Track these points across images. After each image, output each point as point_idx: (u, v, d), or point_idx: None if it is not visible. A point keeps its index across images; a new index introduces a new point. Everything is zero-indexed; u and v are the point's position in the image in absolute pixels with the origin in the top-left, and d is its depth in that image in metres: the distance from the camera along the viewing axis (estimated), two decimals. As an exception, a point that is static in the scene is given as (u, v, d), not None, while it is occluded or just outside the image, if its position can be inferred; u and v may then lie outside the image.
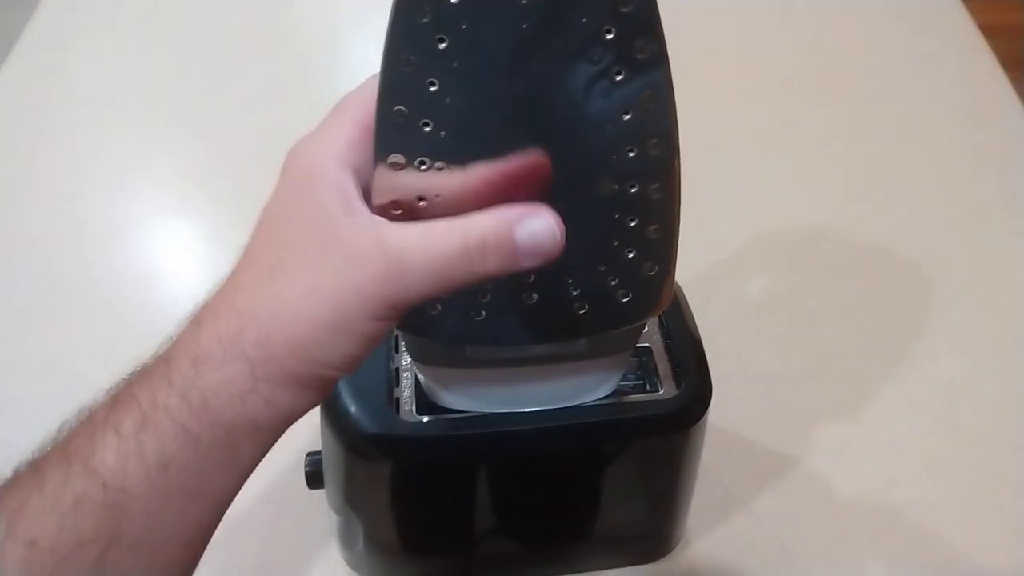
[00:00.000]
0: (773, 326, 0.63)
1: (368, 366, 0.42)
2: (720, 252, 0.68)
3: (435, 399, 0.41)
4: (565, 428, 0.40)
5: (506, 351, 0.38)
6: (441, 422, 0.40)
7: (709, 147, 0.75)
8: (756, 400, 0.58)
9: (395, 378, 0.42)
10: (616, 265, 0.33)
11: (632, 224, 0.31)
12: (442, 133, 0.29)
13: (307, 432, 0.45)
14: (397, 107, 0.29)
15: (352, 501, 0.43)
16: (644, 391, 0.42)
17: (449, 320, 0.33)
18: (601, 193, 0.31)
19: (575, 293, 0.33)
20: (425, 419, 0.40)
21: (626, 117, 0.29)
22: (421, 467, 0.40)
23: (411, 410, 0.41)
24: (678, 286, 0.45)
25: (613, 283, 0.33)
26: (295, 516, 0.51)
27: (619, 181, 0.30)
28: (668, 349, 0.43)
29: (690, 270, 0.47)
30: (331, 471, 0.43)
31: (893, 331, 0.63)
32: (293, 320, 0.28)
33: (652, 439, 0.41)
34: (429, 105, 0.28)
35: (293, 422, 0.30)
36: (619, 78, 0.28)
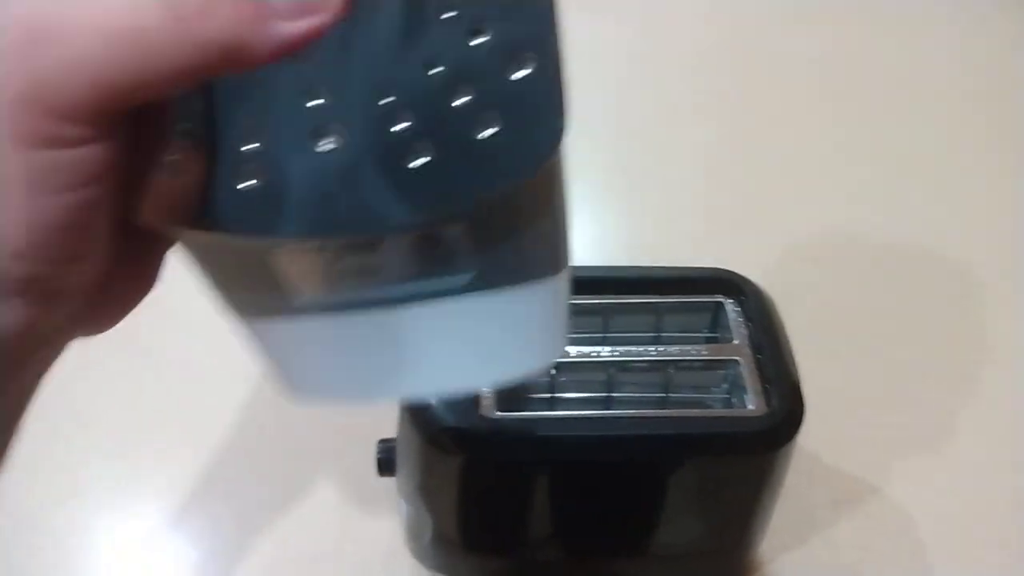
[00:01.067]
0: (855, 347, 0.61)
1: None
2: (801, 265, 0.66)
3: (284, 387, 0.28)
4: (648, 438, 0.38)
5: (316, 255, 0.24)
6: (521, 421, 0.39)
7: (791, 157, 0.74)
8: (836, 422, 0.55)
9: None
10: (462, 63, 0.21)
11: None
12: None
13: (377, 419, 0.45)
14: None
15: (424, 492, 0.42)
16: (730, 406, 0.41)
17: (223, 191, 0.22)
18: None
19: (403, 127, 0.21)
20: (505, 416, 0.39)
21: None
22: (497, 464, 0.40)
23: (491, 406, 0.40)
24: (768, 297, 0.44)
25: (464, 100, 0.21)
26: (362, 502, 0.51)
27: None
28: (758, 363, 0.41)
29: (775, 281, 0.46)
30: (405, 461, 0.43)
31: (981, 359, 0.60)
32: None
33: (739, 457, 0.39)
34: None
35: None
36: None
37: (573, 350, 0.42)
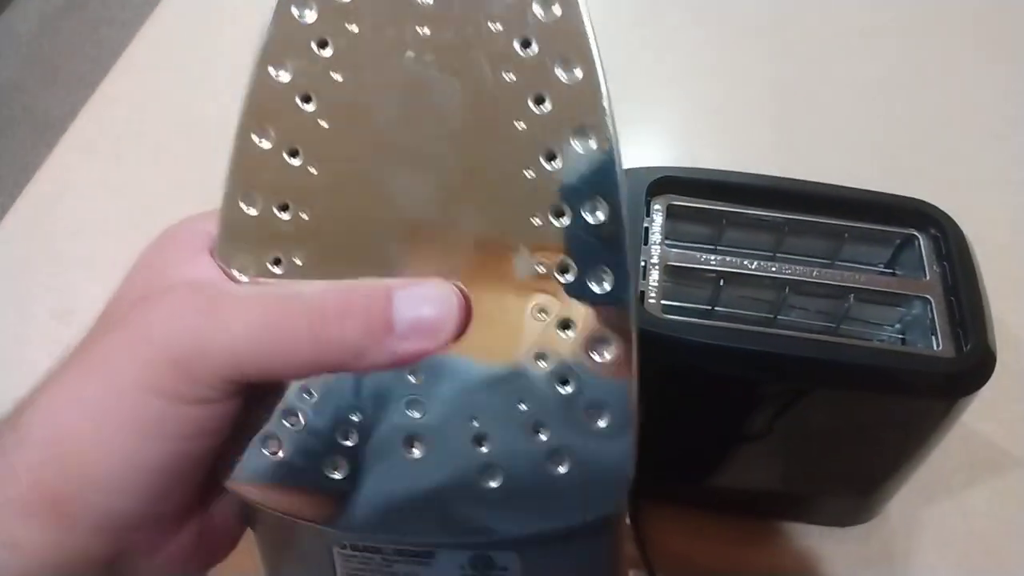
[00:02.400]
0: (1012, 314, 0.57)
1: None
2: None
3: None
4: (827, 363, 0.36)
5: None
6: (688, 325, 0.37)
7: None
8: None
9: (643, 272, 0.39)
10: (548, 407, 0.23)
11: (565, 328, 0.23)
12: (312, 170, 0.23)
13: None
14: (258, 130, 0.23)
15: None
16: (915, 346, 0.38)
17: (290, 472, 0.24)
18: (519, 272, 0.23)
19: (484, 451, 0.23)
20: (672, 317, 0.37)
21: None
22: (659, 364, 0.37)
23: (657, 304, 0.38)
24: (967, 238, 0.40)
25: (541, 436, 0.23)
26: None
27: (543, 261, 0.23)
28: (950, 304, 0.38)
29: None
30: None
31: None
32: (53, 407, 0.21)
33: (919, 399, 0.36)
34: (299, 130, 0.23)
35: None
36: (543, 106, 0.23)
37: (745, 262, 0.40)
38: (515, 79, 0.22)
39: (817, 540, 0.46)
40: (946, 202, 0.41)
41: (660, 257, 0.39)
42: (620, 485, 0.23)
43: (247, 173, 0.24)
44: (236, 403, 0.22)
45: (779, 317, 0.41)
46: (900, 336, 0.40)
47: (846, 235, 0.41)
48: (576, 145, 0.23)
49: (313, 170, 0.23)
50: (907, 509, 0.47)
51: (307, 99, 0.23)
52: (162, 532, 0.24)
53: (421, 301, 0.22)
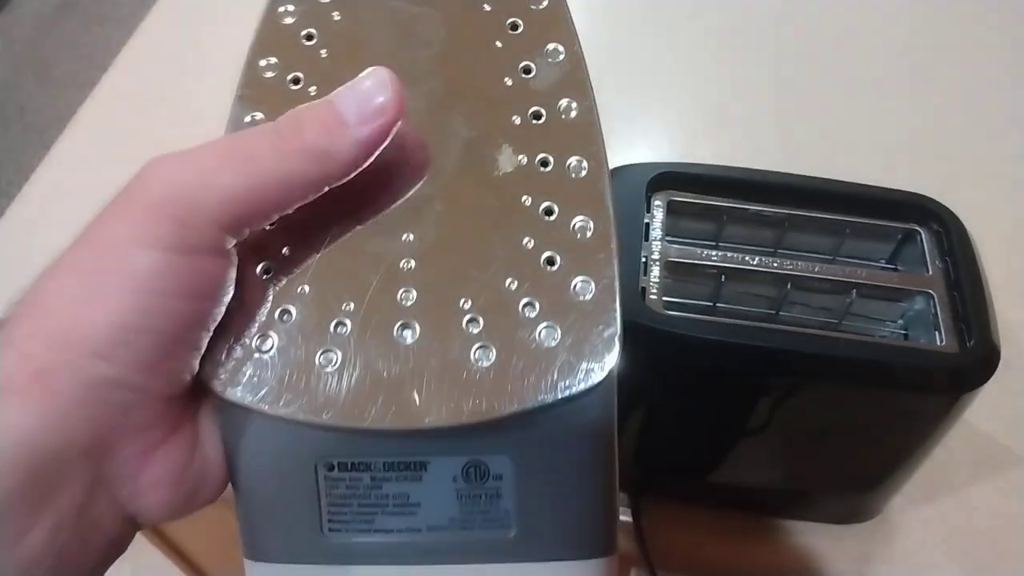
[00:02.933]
0: (1012, 310, 0.56)
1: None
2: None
3: None
4: (830, 359, 0.35)
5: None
6: (690, 321, 0.37)
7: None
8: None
9: (643, 268, 0.39)
10: (535, 281, 0.24)
11: (549, 217, 0.25)
12: (312, 91, 0.27)
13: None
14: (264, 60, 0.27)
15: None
16: (918, 342, 0.38)
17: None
18: (502, 168, 0.26)
19: (469, 322, 0.24)
20: (673, 313, 0.37)
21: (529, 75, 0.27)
22: (660, 360, 0.37)
23: (658, 300, 0.38)
24: (969, 233, 0.40)
25: (530, 312, 0.24)
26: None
27: (526, 151, 0.26)
28: (953, 300, 0.38)
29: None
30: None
31: None
32: (47, 275, 0.21)
33: (923, 395, 0.36)
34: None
35: (39, 479, 0.20)
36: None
37: (746, 258, 0.39)
38: (490, 9, 0.28)
39: (819, 538, 0.46)
40: (945, 198, 0.41)
41: (661, 253, 0.39)
42: (609, 352, 0.24)
43: (253, 97, 0.27)
44: (226, 263, 0.23)
45: (781, 313, 0.40)
46: (903, 332, 0.40)
47: (847, 231, 0.41)
48: (547, 58, 0.27)
49: (313, 91, 0.27)
50: (909, 507, 0.47)
51: (309, 37, 0.28)
52: (148, 430, 0.23)
53: (357, 86, 0.24)
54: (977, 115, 0.69)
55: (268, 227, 0.24)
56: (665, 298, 0.38)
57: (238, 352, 0.24)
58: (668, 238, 0.40)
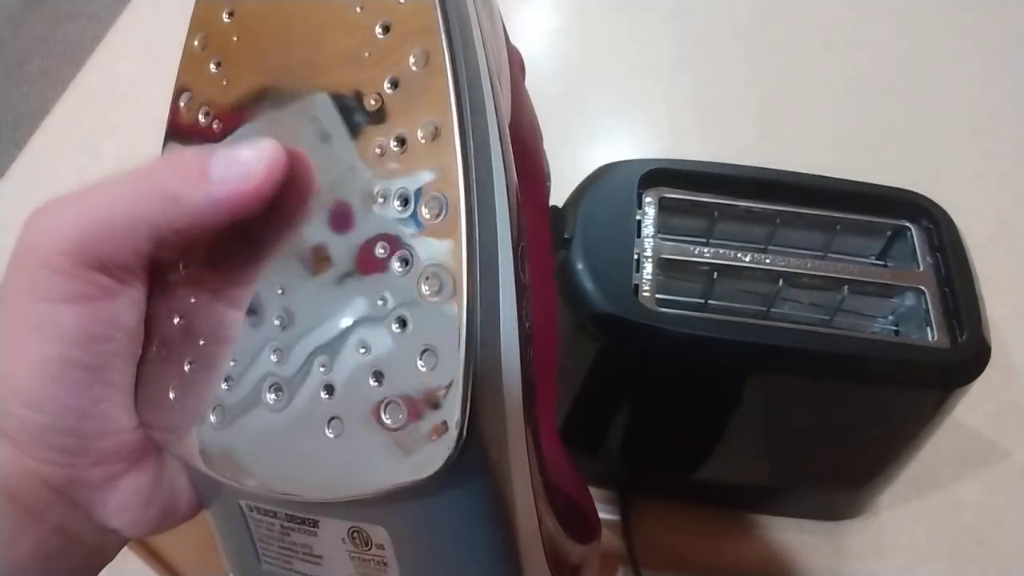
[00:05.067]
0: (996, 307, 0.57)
1: (607, 249, 0.38)
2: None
3: None
4: (822, 355, 0.35)
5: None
6: (683, 317, 0.36)
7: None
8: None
9: (636, 265, 0.38)
10: (379, 348, 0.22)
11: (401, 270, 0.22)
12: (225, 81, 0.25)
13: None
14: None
15: (564, 380, 0.40)
16: (910, 338, 0.38)
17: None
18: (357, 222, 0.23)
19: (325, 390, 0.23)
20: (666, 310, 0.37)
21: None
22: (652, 356, 0.37)
23: (651, 297, 0.37)
24: (956, 227, 0.40)
25: (378, 384, 0.22)
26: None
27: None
28: (944, 295, 0.38)
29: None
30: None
31: None
32: None
33: (915, 390, 0.36)
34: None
35: None
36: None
37: (738, 254, 0.39)
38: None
39: (809, 534, 0.46)
40: (929, 195, 0.41)
41: (654, 250, 0.39)
42: (448, 439, 0.21)
43: (177, 135, 0.26)
44: (112, 304, 0.23)
45: (772, 310, 0.40)
46: (894, 328, 0.40)
47: (838, 227, 0.41)
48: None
49: (225, 81, 0.25)
50: (898, 502, 0.47)
51: (218, 64, 0.26)
52: (106, 464, 0.24)
53: (236, 151, 0.23)
54: (957, 112, 0.70)
55: (177, 275, 0.25)
56: (658, 295, 0.38)
57: (159, 398, 0.25)
58: (660, 235, 0.40)
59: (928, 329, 0.37)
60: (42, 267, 0.22)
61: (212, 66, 0.26)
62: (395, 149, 0.23)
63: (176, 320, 0.25)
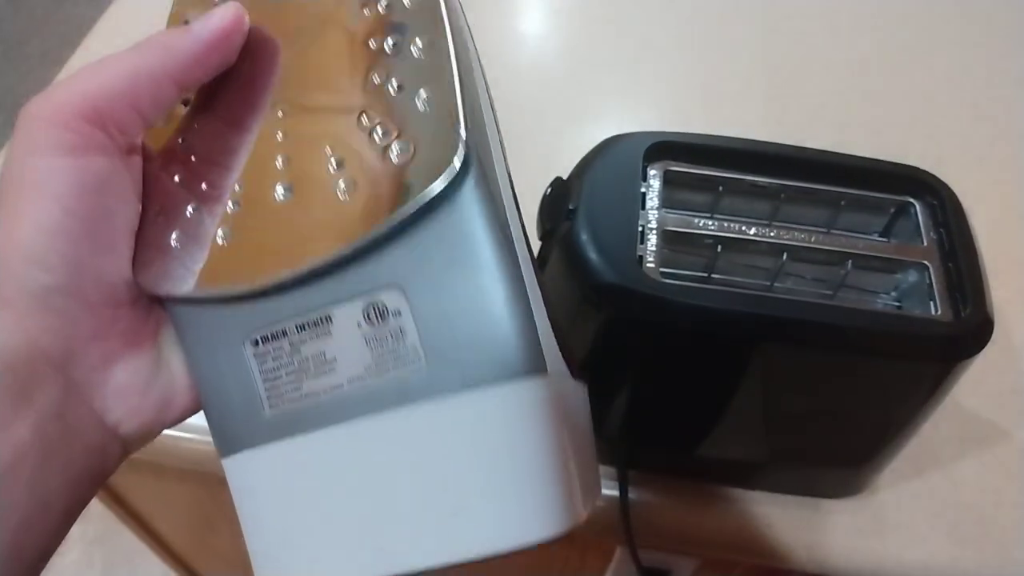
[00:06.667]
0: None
1: (612, 220, 0.38)
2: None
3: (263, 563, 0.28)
4: (827, 327, 0.35)
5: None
6: (687, 288, 0.36)
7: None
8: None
9: (640, 237, 0.38)
10: (380, 109, 0.26)
11: (391, 48, 0.26)
12: None
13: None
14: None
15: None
16: (913, 312, 0.38)
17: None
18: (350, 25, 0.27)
19: (333, 164, 0.26)
20: (670, 281, 0.37)
21: None
22: (657, 327, 0.37)
23: (655, 269, 0.37)
24: (960, 203, 0.40)
25: (378, 135, 0.25)
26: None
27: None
28: (947, 271, 0.38)
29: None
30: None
31: None
32: None
33: (919, 363, 0.36)
34: None
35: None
36: None
37: (742, 228, 0.39)
38: None
39: (810, 512, 0.46)
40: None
41: (658, 222, 0.39)
42: (452, 147, 0.24)
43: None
44: (114, 161, 0.25)
45: (776, 284, 0.40)
46: (896, 303, 0.40)
47: (842, 202, 0.41)
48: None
49: None
50: (898, 481, 0.47)
51: None
52: (104, 338, 0.25)
53: (208, 13, 0.27)
54: (961, 94, 0.70)
55: (180, 144, 0.27)
56: (662, 269, 0.37)
57: (159, 251, 0.26)
58: (665, 208, 0.39)
59: (931, 304, 0.37)
60: (44, 124, 0.24)
61: None
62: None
63: (176, 177, 0.27)
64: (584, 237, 0.37)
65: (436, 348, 0.25)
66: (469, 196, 0.25)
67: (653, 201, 0.40)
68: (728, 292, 0.36)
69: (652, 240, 0.38)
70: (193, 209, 0.26)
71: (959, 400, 0.51)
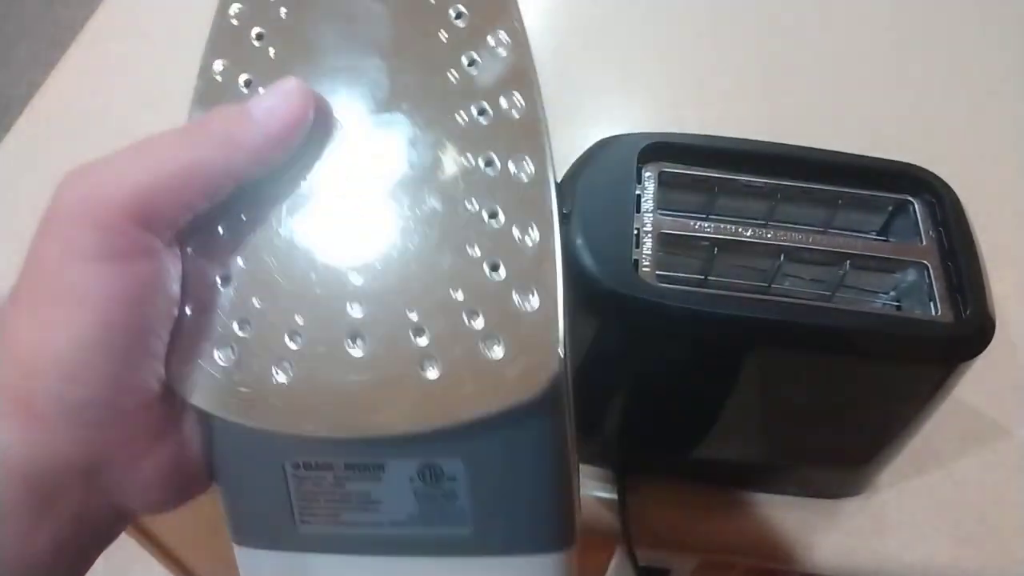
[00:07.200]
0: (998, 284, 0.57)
1: (607, 224, 0.38)
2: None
3: None
4: (826, 329, 0.35)
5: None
6: (683, 292, 0.36)
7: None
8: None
9: (635, 240, 0.38)
10: (480, 292, 0.24)
11: (494, 222, 0.25)
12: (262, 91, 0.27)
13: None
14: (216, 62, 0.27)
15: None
16: (913, 313, 0.37)
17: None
18: (447, 172, 0.25)
19: (417, 334, 0.24)
20: (667, 286, 0.36)
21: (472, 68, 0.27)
22: (654, 333, 0.36)
23: (651, 272, 0.37)
24: (959, 201, 0.39)
25: (476, 323, 0.24)
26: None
27: (470, 152, 0.26)
28: (947, 270, 0.37)
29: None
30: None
31: None
32: (8, 318, 0.22)
33: (921, 365, 0.36)
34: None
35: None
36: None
37: (739, 229, 0.39)
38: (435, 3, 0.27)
39: (810, 512, 0.46)
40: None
41: (654, 225, 0.38)
42: (552, 362, 0.23)
43: (208, 100, 0.26)
44: (158, 264, 0.23)
45: (773, 286, 0.40)
46: (896, 304, 0.39)
47: (840, 201, 0.40)
48: (492, 50, 0.27)
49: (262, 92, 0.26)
50: (898, 480, 0.47)
51: (259, 37, 0.27)
52: (134, 440, 0.24)
53: (265, 92, 0.25)
54: (960, 91, 0.69)
55: (221, 234, 0.25)
56: (658, 272, 0.37)
57: (200, 360, 0.24)
58: (660, 210, 0.39)
59: (931, 304, 0.37)
60: (87, 224, 0.21)
61: (253, 38, 0.27)
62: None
63: (218, 280, 0.25)
64: (579, 242, 0.37)
65: (484, 515, 0.26)
66: (548, 408, 0.25)
67: (648, 203, 0.39)
68: (724, 296, 0.36)
69: (647, 243, 0.38)
70: (239, 325, 0.24)
71: (960, 398, 0.50)
